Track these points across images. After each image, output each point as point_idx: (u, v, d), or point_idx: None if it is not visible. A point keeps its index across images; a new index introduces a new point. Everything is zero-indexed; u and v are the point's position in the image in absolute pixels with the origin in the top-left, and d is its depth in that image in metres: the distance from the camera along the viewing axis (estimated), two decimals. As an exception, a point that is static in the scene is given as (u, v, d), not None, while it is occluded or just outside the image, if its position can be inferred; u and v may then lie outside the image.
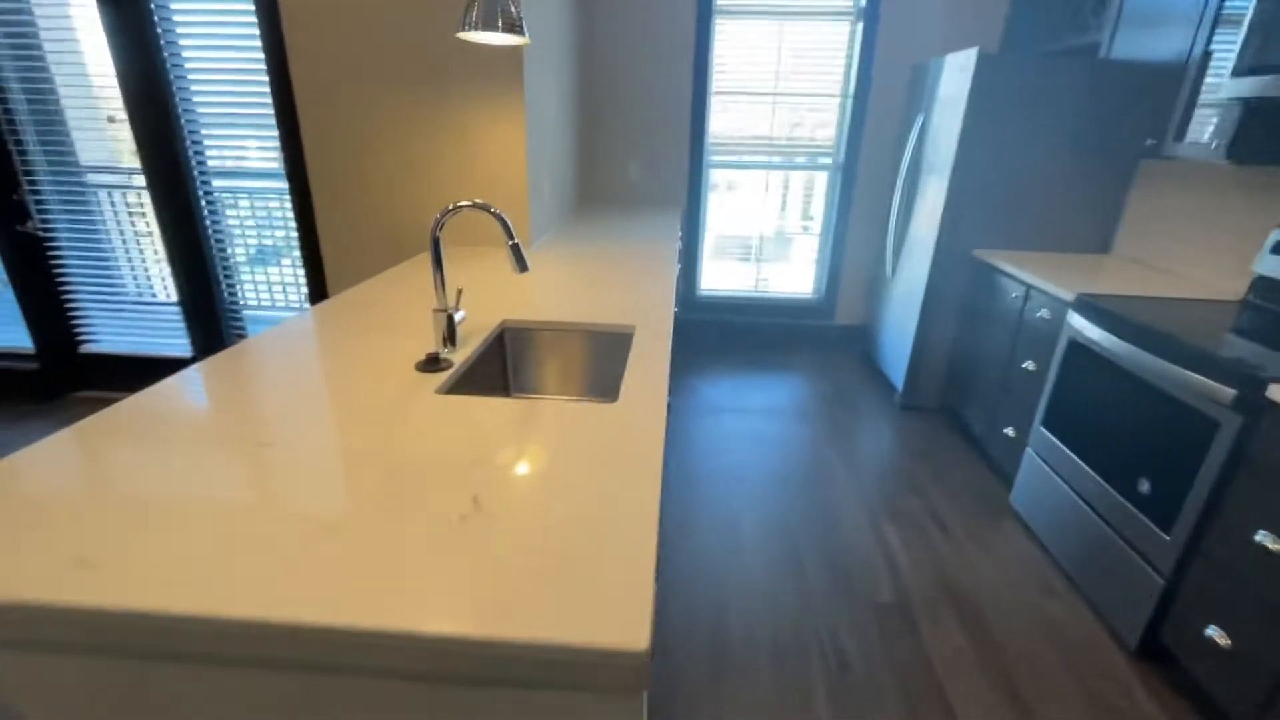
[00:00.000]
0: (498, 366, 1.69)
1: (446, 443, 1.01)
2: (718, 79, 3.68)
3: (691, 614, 1.86)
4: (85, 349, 3.12)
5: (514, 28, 1.79)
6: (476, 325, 1.61)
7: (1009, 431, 2.49)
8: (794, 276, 4.20)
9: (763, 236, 4.11)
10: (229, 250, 2.96)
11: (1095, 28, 2.61)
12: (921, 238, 3.03)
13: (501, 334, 1.68)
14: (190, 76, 2.63)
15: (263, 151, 2.76)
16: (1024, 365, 2.40)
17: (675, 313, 3.89)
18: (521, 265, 1.37)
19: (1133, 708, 1.60)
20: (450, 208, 1.32)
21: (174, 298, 3.02)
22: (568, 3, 3.10)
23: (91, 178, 2.85)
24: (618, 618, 0.66)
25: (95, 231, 2.93)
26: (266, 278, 3.03)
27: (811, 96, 3.69)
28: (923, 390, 3.17)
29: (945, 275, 2.92)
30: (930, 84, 3.04)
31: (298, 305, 3.03)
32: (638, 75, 3.64)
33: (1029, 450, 2.29)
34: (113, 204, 2.91)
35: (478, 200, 1.34)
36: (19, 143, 2.76)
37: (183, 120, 2.70)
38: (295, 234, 2.77)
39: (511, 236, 1.35)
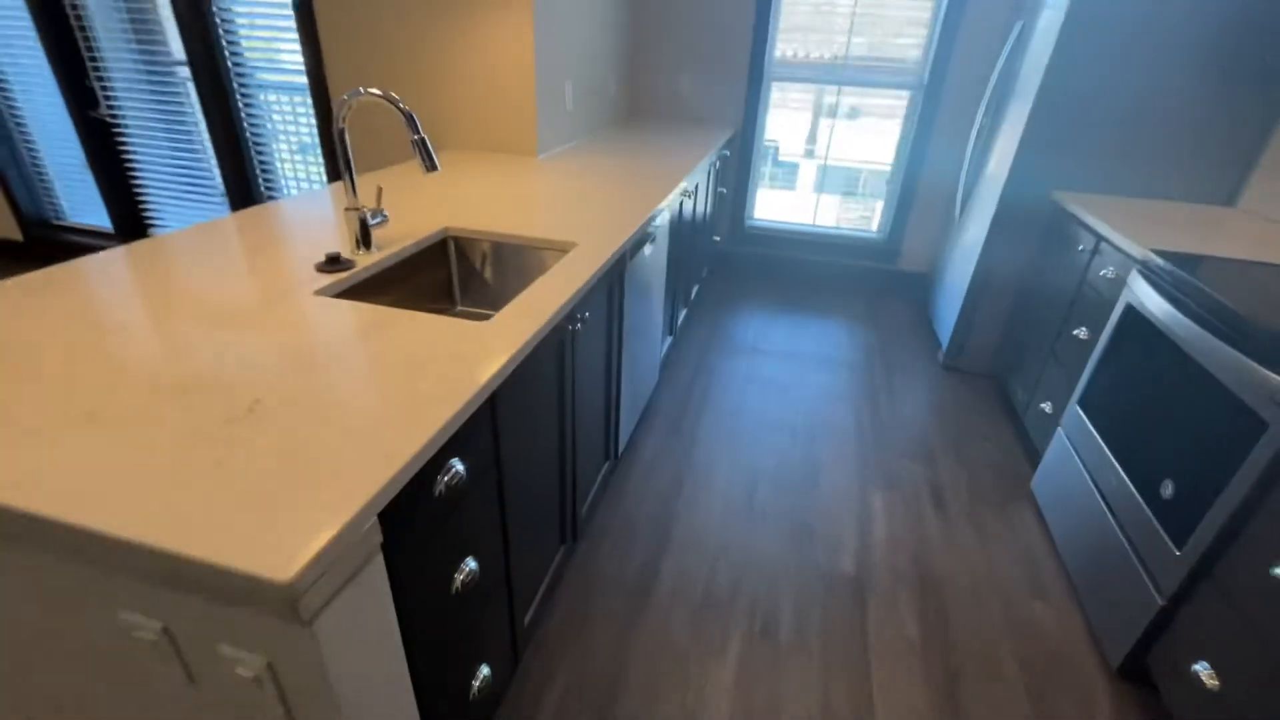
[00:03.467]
0: (442, 276, 1.63)
1: (275, 344, 0.96)
2: (790, -23, 3.23)
3: (628, 551, 1.80)
4: (152, 233, 3.41)
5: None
6: (410, 230, 1.55)
7: (1046, 407, 2.15)
8: (859, 212, 3.78)
9: (827, 164, 3.70)
10: (268, 146, 3.05)
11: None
12: (995, 174, 2.58)
13: (444, 241, 1.61)
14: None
15: (293, 57, 2.77)
16: (1075, 332, 2.03)
17: (715, 243, 3.66)
18: (429, 164, 1.26)
19: (1090, 732, 1.39)
20: (347, 96, 1.23)
21: (221, 188, 3.19)
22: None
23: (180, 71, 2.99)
24: (280, 545, 0.60)
25: (173, 120, 3.11)
26: (305, 172, 3.12)
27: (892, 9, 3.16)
28: (970, 351, 2.80)
29: (1013, 220, 2.49)
30: (1037, -18, 2.49)
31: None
32: (697, -29, 3.26)
33: (1059, 430, 1.96)
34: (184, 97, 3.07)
35: (382, 91, 1.22)
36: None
37: (220, 26, 2.76)
38: (319, 135, 2.80)
39: (417, 132, 1.24)
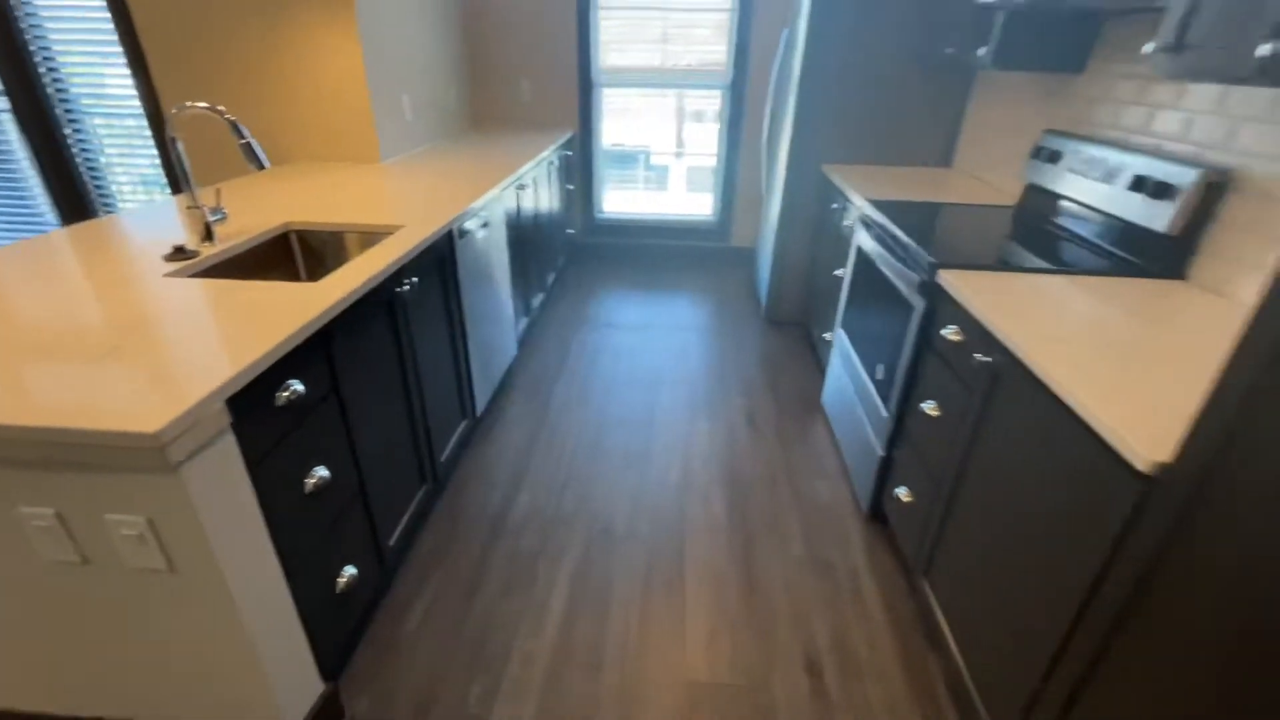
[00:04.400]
0: (286, 262, 1.85)
1: (132, 312, 1.18)
2: (604, -6, 3.66)
3: (488, 491, 2.09)
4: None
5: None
6: (252, 225, 1.76)
7: (826, 336, 2.67)
8: (695, 199, 4.28)
9: (661, 157, 4.17)
10: (104, 176, 3.05)
11: (933, -65, 2.61)
12: (782, 155, 3.11)
13: (286, 235, 1.83)
14: (42, 14, 2.67)
15: (123, 82, 2.82)
16: (836, 272, 2.55)
17: (570, 236, 4.01)
18: (256, 164, 1.50)
19: (843, 559, 1.85)
20: (176, 110, 1.44)
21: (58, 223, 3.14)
22: (430, -88, 3.07)
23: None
24: (146, 412, 0.85)
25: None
26: (150, 196, 3.13)
27: (700, 11, 3.67)
28: (784, 305, 3.33)
29: (799, 191, 3.03)
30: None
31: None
32: (521, -9, 3.61)
33: (833, 352, 2.47)
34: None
35: (211, 105, 1.45)
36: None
37: (38, 54, 2.75)
38: (159, 162, 2.87)
39: (242, 136, 1.47)
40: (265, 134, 2.68)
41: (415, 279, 1.68)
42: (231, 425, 0.98)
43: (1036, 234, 1.86)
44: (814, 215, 3.07)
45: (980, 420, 1.34)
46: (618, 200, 4.30)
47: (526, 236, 2.93)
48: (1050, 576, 1.08)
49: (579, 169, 4.08)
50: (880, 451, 1.86)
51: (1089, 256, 1.66)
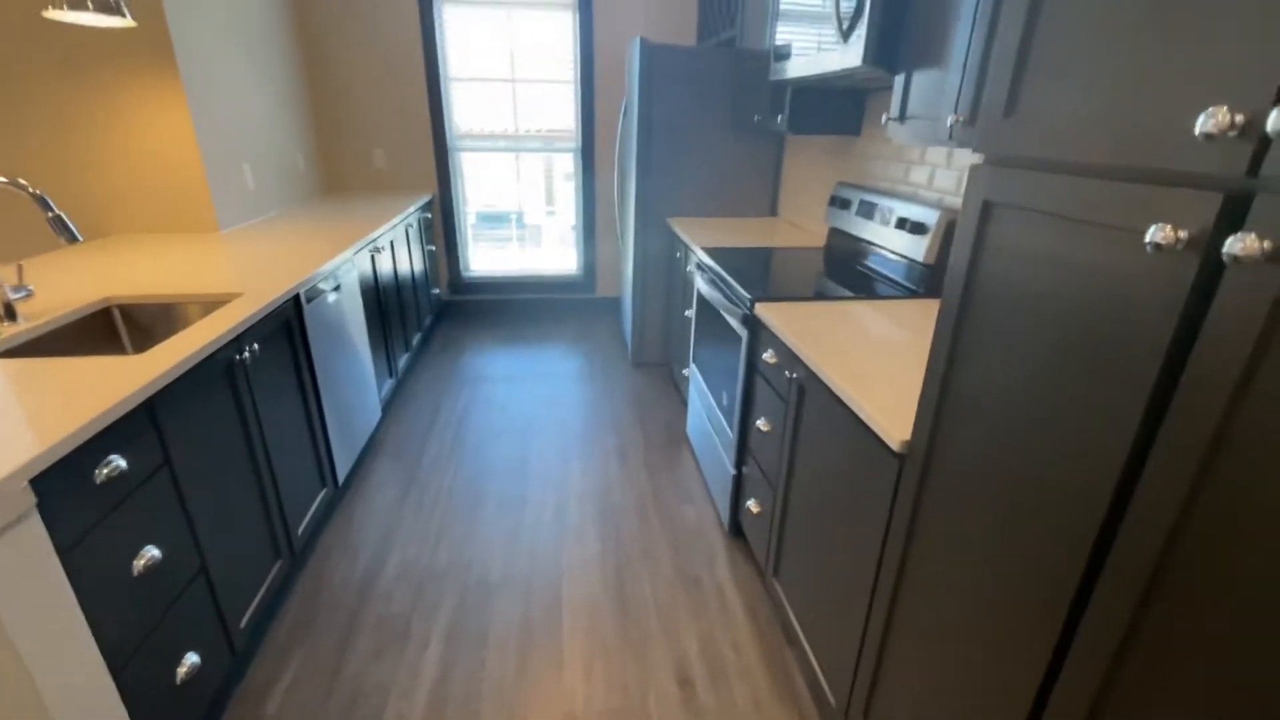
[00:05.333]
0: (109, 338, 1.73)
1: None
2: (454, 65, 3.82)
3: (355, 556, 2.02)
4: None
5: (109, 9, 1.82)
6: (63, 301, 1.65)
7: (685, 372, 2.89)
8: (560, 254, 4.46)
9: (525, 225, 4.33)
10: None
11: (735, 23, 3.04)
12: (632, 212, 3.37)
13: (108, 310, 1.72)
14: None
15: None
16: (686, 314, 2.79)
17: (436, 295, 4.01)
18: (68, 236, 1.43)
19: (709, 573, 1.99)
20: (-32, 184, 1.36)
21: None
22: (265, -13, 3.09)
23: None
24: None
25: None
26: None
27: (547, 83, 3.93)
28: (648, 347, 3.54)
29: (649, 242, 3.28)
30: (628, 68, 3.37)
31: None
32: (367, 63, 3.68)
33: (690, 386, 2.68)
34: None
35: (12, 178, 1.38)
36: None
37: None
38: (-54, 231, 2.56)
39: (50, 210, 1.41)
40: (87, 206, 2.50)
41: (257, 345, 1.65)
42: (37, 507, 0.94)
43: (837, 268, 2.19)
44: (665, 263, 3.33)
45: (796, 428, 1.54)
46: (485, 259, 4.38)
47: (387, 298, 2.92)
48: (853, 555, 1.27)
49: (442, 230, 4.12)
50: (732, 470, 2.05)
51: (876, 284, 1.98)
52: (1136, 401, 0.62)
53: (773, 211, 3.33)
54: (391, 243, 3.04)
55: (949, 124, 1.34)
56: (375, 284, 2.76)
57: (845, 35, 1.66)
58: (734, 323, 1.95)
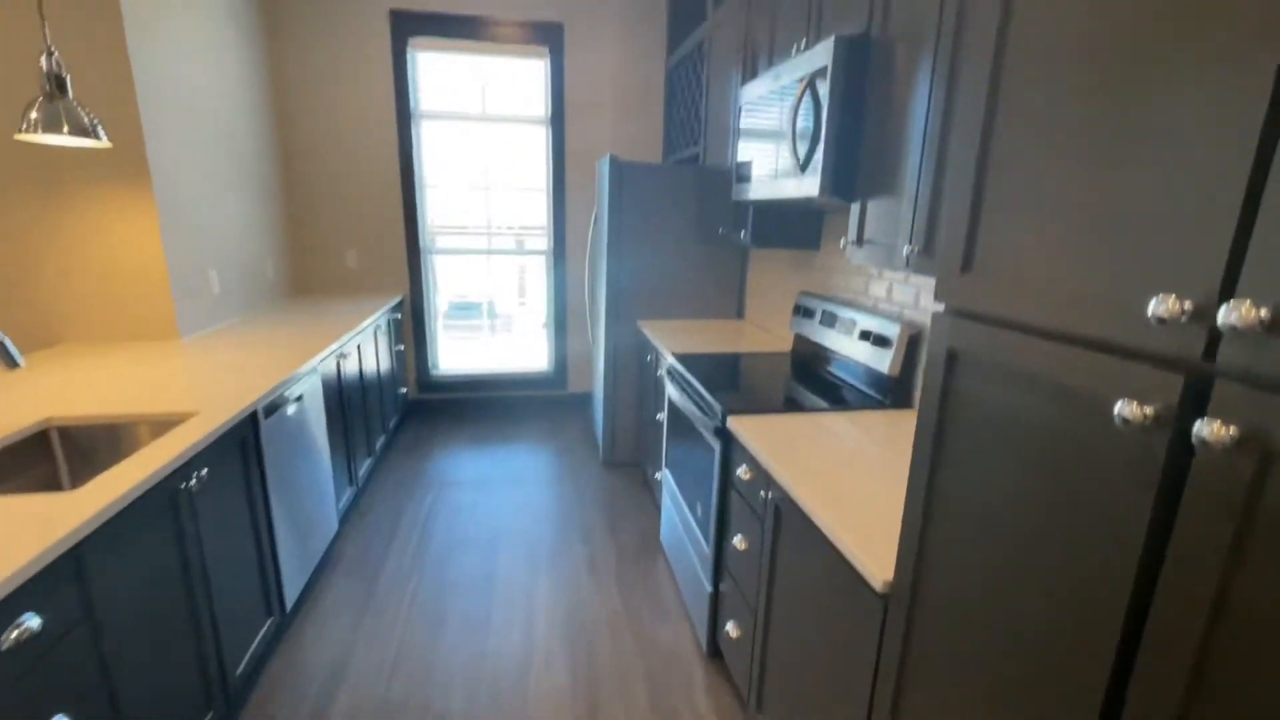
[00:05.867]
0: (45, 465, 1.62)
1: None
2: (430, 171, 3.95)
3: (302, 694, 1.83)
4: None
5: (84, 132, 1.84)
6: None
7: (658, 476, 2.83)
8: (530, 351, 4.47)
9: (497, 315, 4.36)
10: None
11: (699, 142, 3.24)
12: (603, 314, 3.43)
13: (45, 433, 1.62)
14: None
15: None
16: (658, 417, 2.78)
17: (403, 395, 3.93)
18: (9, 363, 1.36)
19: (687, 704, 1.85)
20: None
21: None
22: (244, 101, 3.20)
23: None
24: None
25: None
26: None
27: (521, 191, 4.09)
28: (619, 447, 3.49)
29: (620, 343, 3.31)
30: (598, 182, 3.54)
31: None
32: (344, 169, 3.78)
33: (663, 490, 2.62)
34: None
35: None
36: None
37: None
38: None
39: (-6, 336, 1.35)
40: (44, 314, 2.42)
41: (206, 470, 1.56)
42: (-70, 690, 0.82)
43: (805, 376, 2.22)
44: (636, 364, 3.35)
45: (774, 550, 1.50)
46: (454, 356, 4.35)
47: (350, 403, 2.84)
48: (841, 695, 1.20)
49: (412, 329, 4.11)
50: (709, 587, 1.96)
51: (843, 393, 2.01)
52: (1128, 561, 0.60)
53: (739, 315, 3.41)
54: (359, 346, 3.00)
55: (905, 253, 1.41)
56: (339, 389, 2.69)
57: (802, 166, 1.77)
58: (706, 434, 1.93)
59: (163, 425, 1.67)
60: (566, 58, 3.84)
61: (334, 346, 2.54)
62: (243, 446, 1.77)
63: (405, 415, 4.19)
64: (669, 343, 2.72)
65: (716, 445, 1.83)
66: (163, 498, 1.38)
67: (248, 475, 1.80)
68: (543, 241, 4.19)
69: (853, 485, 1.34)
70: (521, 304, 4.48)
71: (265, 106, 3.47)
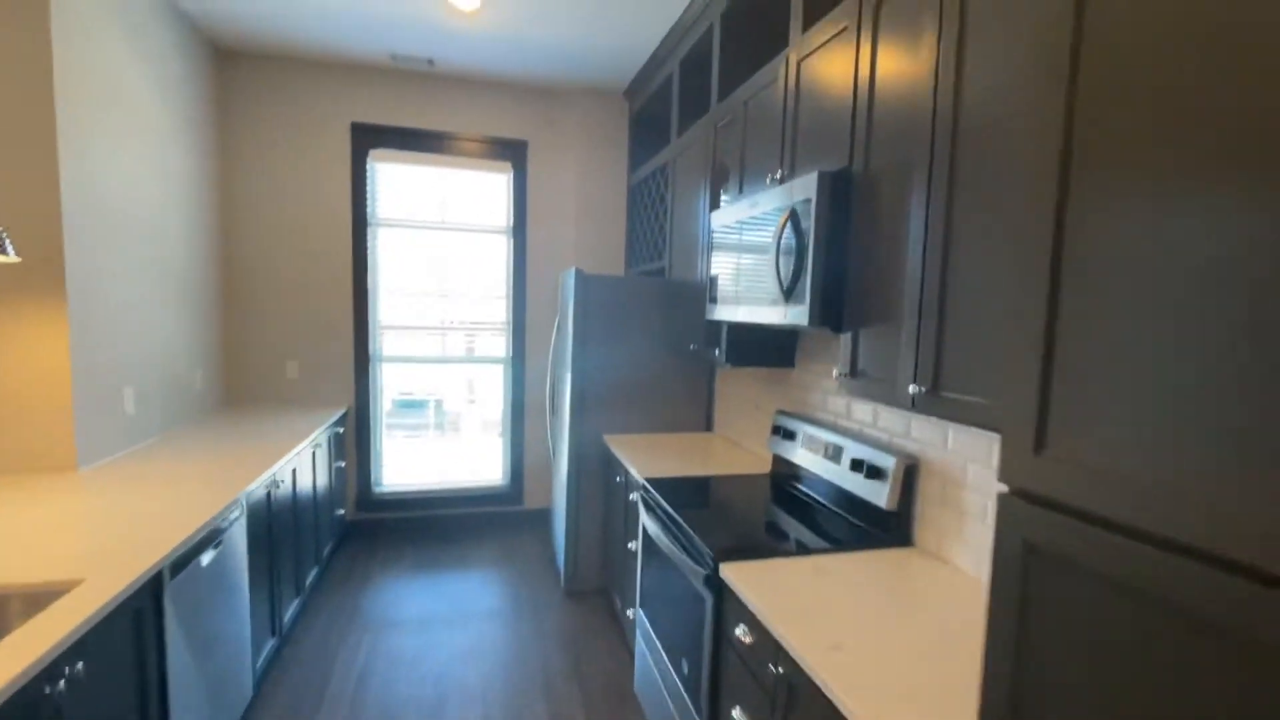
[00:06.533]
0: None
1: None
2: (385, 280, 3.81)
3: None
4: None
5: (-11, 248, 1.62)
6: None
7: (630, 613, 2.56)
8: (482, 462, 4.19)
9: (445, 414, 4.10)
10: None
11: (663, 256, 3.25)
12: (566, 425, 3.25)
13: (-128, 618, 1.28)
14: None
15: None
16: (630, 546, 2.55)
17: (340, 517, 3.56)
18: None
19: None
20: None
21: None
22: (186, 214, 3.03)
23: None
24: None
25: None
26: None
27: (480, 298, 3.98)
28: (583, 574, 3.20)
29: (584, 460, 3.11)
30: (562, 293, 3.47)
31: None
32: (290, 275, 3.60)
33: (636, 631, 2.35)
34: None
35: None
36: None
37: None
38: None
39: None
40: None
41: (83, 665, 1.24)
42: None
43: (793, 507, 2.08)
44: (601, 482, 3.14)
45: (788, 738, 1.28)
46: (399, 470, 4.02)
47: (281, 537, 2.50)
48: None
49: (355, 443, 3.80)
50: (700, 766, 1.68)
51: (839, 529, 1.87)
52: None
53: (708, 427, 3.30)
54: (294, 470, 2.69)
55: (911, 393, 1.33)
56: (269, 523, 2.36)
57: (787, 294, 1.72)
58: (695, 582, 1.73)
59: (38, 599, 1.35)
60: (530, 172, 3.89)
61: (266, 475, 2.25)
62: (137, 622, 1.45)
63: (343, 540, 3.78)
64: (640, 463, 2.55)
65: (708, 596, 1.63)
66: (14, 713, 1.06)
67: (141, 660, 1.47)
68: (500, 346, 4.04)
69: (883, 658, 1.16)
70: (471, 402, 4.23)
71: (209, 218, 3.31)
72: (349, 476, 3.80)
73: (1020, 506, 0.73)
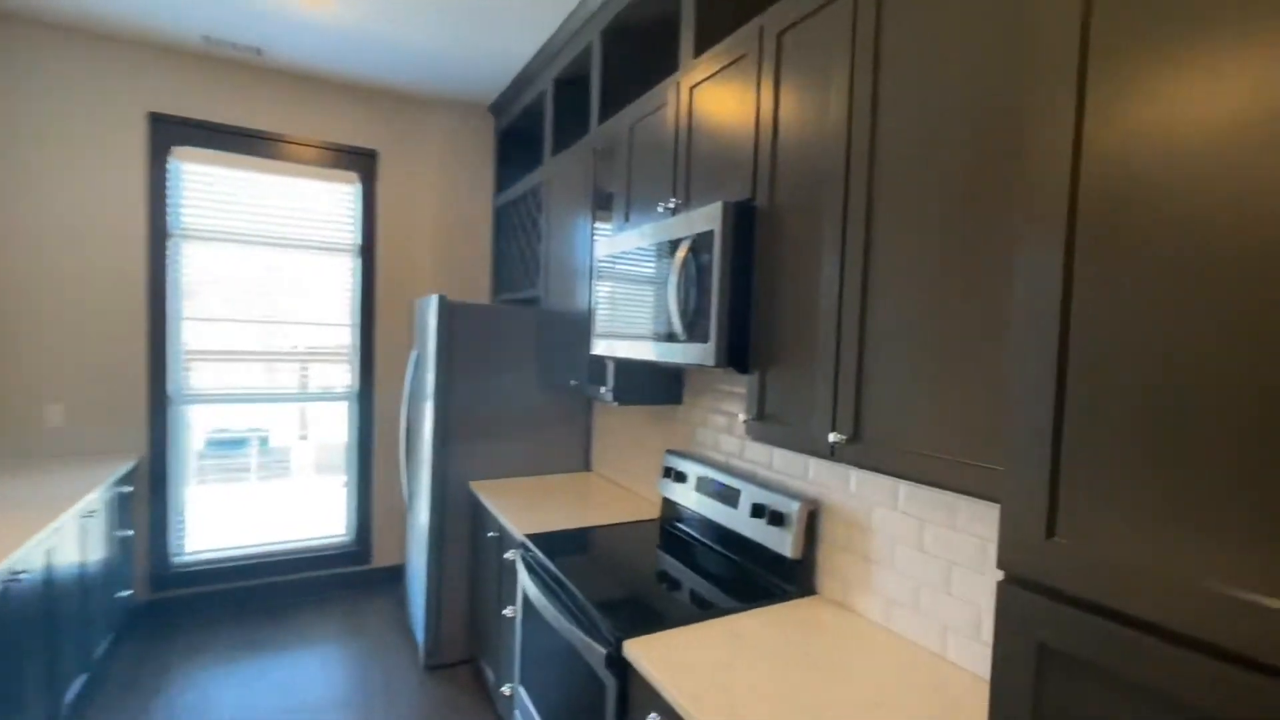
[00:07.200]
0: None
1: None
2: (199, 301, 3.15)
3: None
4: None
5: None
6: None
7: (507, 690, 2.25)
8: (322, 517, 3.59)
9: (270, 451, 3.46)
10: None
11: (537, 284, 3.02)
12: (426, 469, 2.86)
13: None
14: None
15: None
16: (505, 611, 2.25)
17: (124, 600, 2.83)
18: None
19: None
20: None
21: None
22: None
23: None
24: None
25: None
26: None
27: (317, 325, 3.44)
28: (447, 644, 2.80)
29: (448, 510, 2.75)
30: (420, 321, 3.09)
31: None
32: (60, 303, 2.84)
33: (516, 713, 2.05)
34: None
35: None
36: None
37: None
38: None
39: None
40: None
41: None
42: None
43: (691, 558, 1.93)
44: (469, 536, 2.79)
45: None
46: (212, 533, 3.30)
47: (23, 647, 1.86)
48: None
49: (149, 504, 3.06)
50: None
51: (742, 581, 1.75)
52: None
53: (586, 467, 3.09)
54: (50, 550, 2.05)
55: (831, 441, 1.24)
56: (4, 621, 1.74)
57: (687, 332, 1.59)
58: (591, 661, 1.50)
59: None
60: (380, 186, 3.47)
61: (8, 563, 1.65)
62: None
63: (127, 630, 3.00)
64: (517, 515, 2.27)
65: (610, 681, 1.41)
66: None
67: None
68: (345, 377, 3.52)
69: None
70: (303, 438, 3.60)
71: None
72: (138, 547, 3.05)
73: (1029, 602, 0.62)
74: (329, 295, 3.46)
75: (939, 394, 1.04)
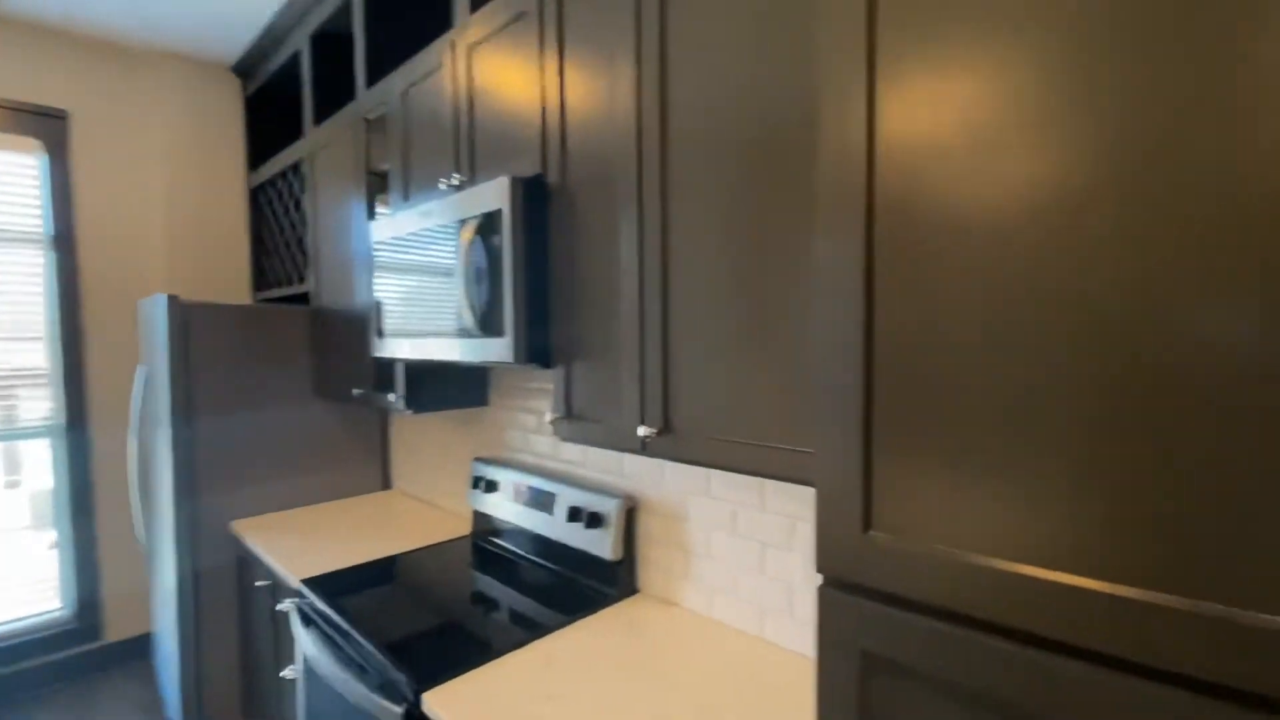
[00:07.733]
0: None
1: None
2: None
3: None
4: None
5: None
6: None
7: (292, 766, 1.88)
8: (23, 589, 2.74)
9: (-67, 549, 2.55)
10: None
11: (308, 278, 2.57)
12: (169, 514, 2.28)
13: None
14: None
15: None
16: (284, 674, 1.87)
17: None
18: None
19: None
20: None
21: None
22: None
23: None
24: None
25: None
26: None
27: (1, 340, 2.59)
28: (211, 711, 2.28)
29: (202, 561, 2.22)
30: (146, 329, 2.46)
31: None
32: None
33: (305, 796, 1.70)
34: None
35: None
36: None
37: None
38: None
39: None
40: None
41: None
42: None
43: (506, 573, 1.75)
44: (234, 588, 2.29)
45: None
46: None
47: None
48: None
49: None
50: None
51: (562, 592, 1.61)
52: None
53: (386, 485, 2.72)
54: None
55: (641, 435, 1.14)
56: None
57: (481, 325, 1.39)
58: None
59: None
60: (75, 157, 2.70)
61: None
62: None
63: None
64: (293, 557, 1.89)
65: (409, 746, 1.19)
66: None
67: None
68: (43, 407, 2.70)
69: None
70: (12, 485, 2.73)
71: None
72: None
73: (850, 606, 0.56)
74: (14, 299, 2.62)
75: (744, 379, 0.99)
